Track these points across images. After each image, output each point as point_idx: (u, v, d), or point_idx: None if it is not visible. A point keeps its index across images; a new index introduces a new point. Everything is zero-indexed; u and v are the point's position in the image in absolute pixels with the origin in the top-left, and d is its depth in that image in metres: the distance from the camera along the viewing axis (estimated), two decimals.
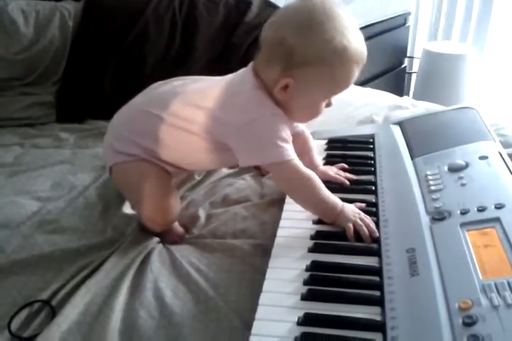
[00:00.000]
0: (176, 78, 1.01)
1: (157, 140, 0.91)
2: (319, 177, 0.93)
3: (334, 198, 0.88)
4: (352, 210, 0.87)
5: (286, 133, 0.87)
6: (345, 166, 1.06)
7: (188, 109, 0.90)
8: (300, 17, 0.83)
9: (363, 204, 0.91)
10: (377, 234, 0.83)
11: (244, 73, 0.91)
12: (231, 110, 0.87)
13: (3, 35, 1.50)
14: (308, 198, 0.89)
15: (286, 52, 0.83)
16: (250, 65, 0.91)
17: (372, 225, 0.85)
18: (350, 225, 0.84)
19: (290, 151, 0.86)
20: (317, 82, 0.86)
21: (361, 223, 0.84)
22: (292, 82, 0.84)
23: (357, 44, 0.84)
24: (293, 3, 0.86)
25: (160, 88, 0.98)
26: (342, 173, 1.04)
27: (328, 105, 0.92)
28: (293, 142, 0.89)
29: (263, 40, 0.87)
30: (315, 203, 0.89)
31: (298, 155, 0.89)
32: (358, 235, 0.84)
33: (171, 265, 0.86)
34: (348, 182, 1.01)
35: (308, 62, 0.83)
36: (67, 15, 1.57)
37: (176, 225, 0.98)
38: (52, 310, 0.78)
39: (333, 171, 1.04)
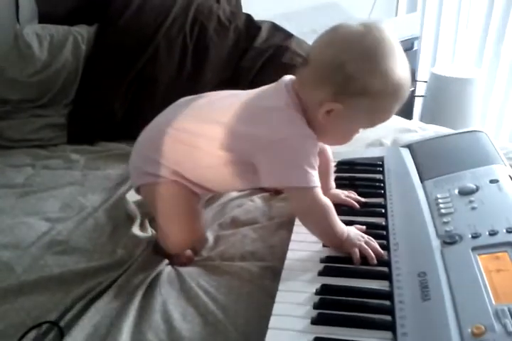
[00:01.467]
0: (201, 94, 0.96)
1: (178, 160, 0.89)
2: (330, 200, 0.92)
3: (341, 225, 0.87)
4: (356, 234, 0.87)
5: (315, 157, 0.83)
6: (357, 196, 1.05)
7: (210, 126, 0.87)
8: (366, 45, 0.79)
9: (364, 227, 0.91)
10: (385, 257, 0.83)
11: (276, 89, 0.87)
12: (260, 125, 0.83)
13: (18, 58, 1.54)
14: (320, 226, 0.87)
15: (343, 78, 0.78)
16: (283, 81, 0.88)
17: (378, 248, 0.84)
18: (356, 250, 0.83)
19: (315, 177, 0.82)
20: (365, 112, 0.83)
21: (366, 246, 0.84)
22: (341, 108, 0.81)
23: (409, 82, 0.82)
24: (353, 27, 0.81)
25: (183, 105, 0.94)
26: (353, 196, 1.03)
27: (357, 133, 0.91)
28: None
29: (314, 59, 0.82)
30: (326, 232, 0.87)
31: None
32: (363, 259, 0.83)
33: (179, 287, 0.86)
34: (358, 206, 1.01)
35: (365, 94, 0.79)
36: (80, 39, 1.60)
37: None
38: (60, 331, 0.77)
39: (344, 194, 1.03)
